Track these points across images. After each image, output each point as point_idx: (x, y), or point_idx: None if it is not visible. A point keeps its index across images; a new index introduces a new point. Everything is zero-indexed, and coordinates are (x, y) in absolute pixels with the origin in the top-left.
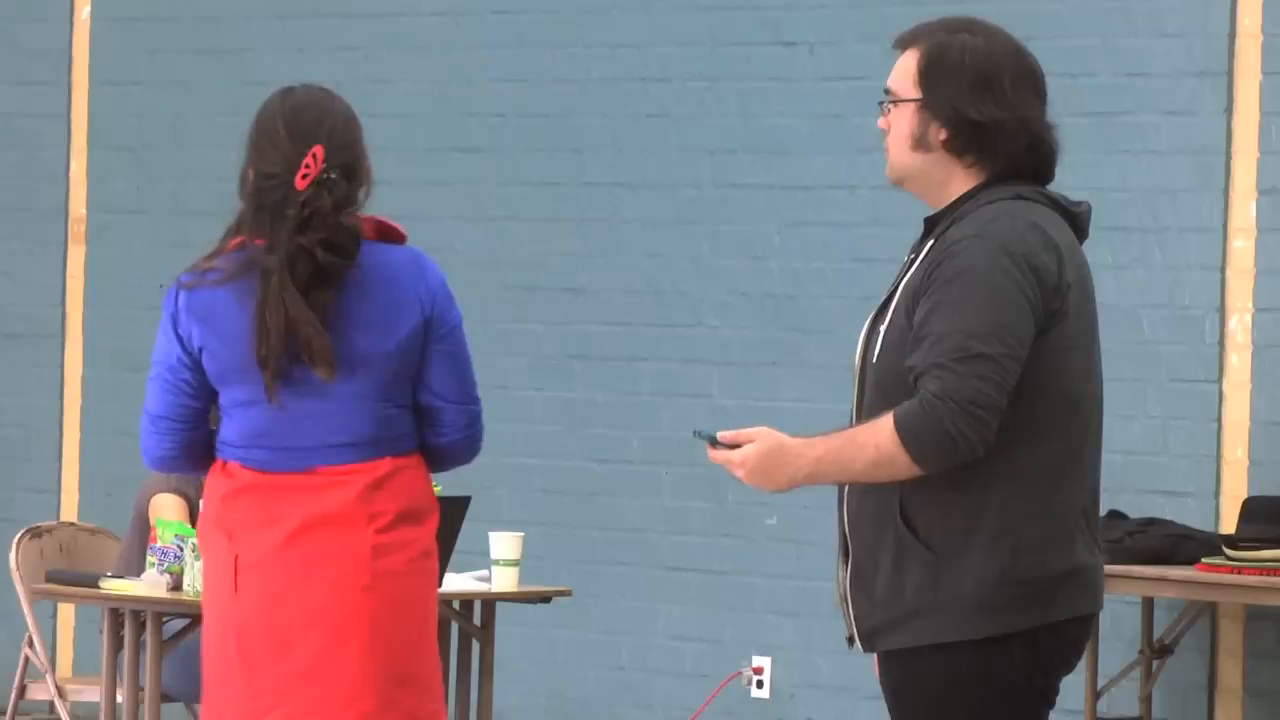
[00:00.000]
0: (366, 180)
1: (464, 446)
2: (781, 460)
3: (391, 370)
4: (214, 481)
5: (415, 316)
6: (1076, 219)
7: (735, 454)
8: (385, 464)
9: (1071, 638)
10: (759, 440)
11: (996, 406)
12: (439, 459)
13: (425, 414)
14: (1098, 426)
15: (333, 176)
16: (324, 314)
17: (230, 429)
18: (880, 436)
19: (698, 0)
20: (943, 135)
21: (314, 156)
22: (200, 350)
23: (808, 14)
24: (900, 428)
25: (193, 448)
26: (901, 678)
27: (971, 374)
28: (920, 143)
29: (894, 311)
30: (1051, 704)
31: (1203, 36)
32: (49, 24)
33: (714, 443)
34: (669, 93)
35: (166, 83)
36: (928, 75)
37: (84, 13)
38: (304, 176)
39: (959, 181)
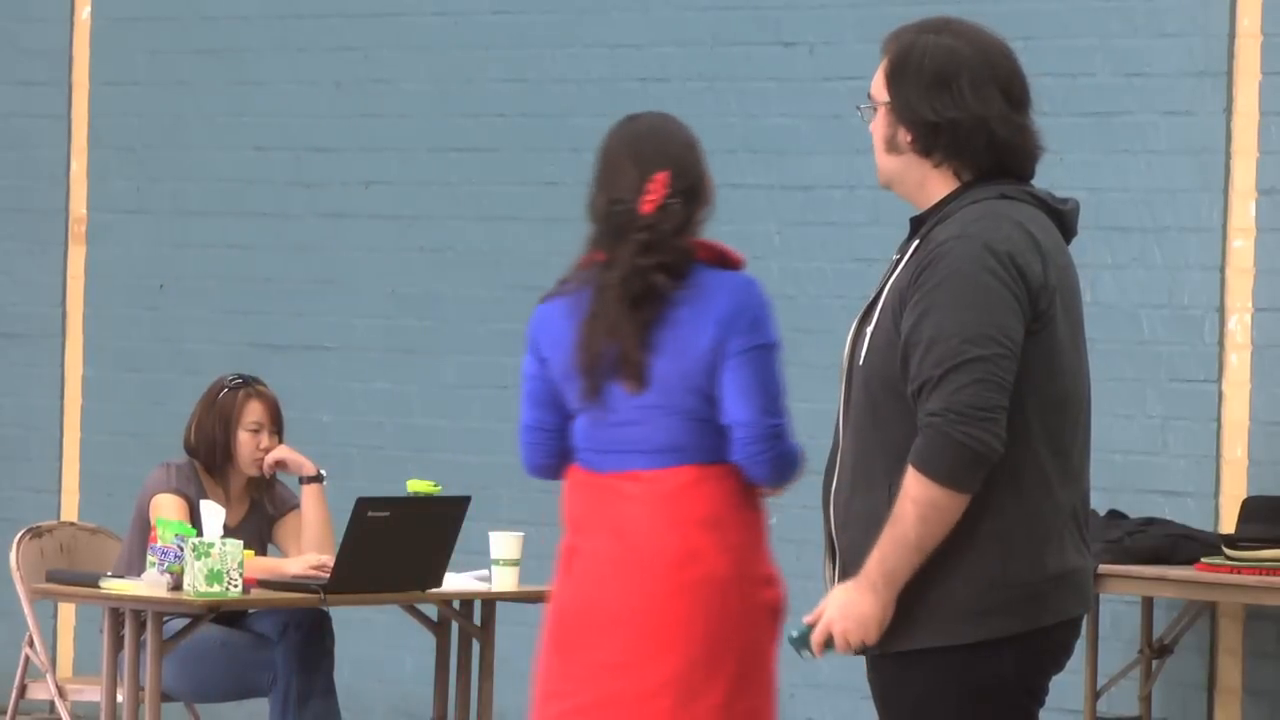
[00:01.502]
0: (708, 202)
1: (753, 464)
2: (855, 593)
3: (688, 387)
4: (566, 479)
5: (710, 337)
6: (1063, 217)
7: (819, 626)
8: (689, 471)
9: (1061, 639)
10: (829, 598)
11: (999, 405)
12: (748, 476)
13: (724, 431)
14: (1087, 427)
15: (674, 201)
16: (644, 331)
17: (574, 432)
18: (909, 491)
19: (698, 0)
20: (908, 137)
21: (657, 182)
22: (546, 360)
23: (808, 14)
24: (918, 466)
25: (567, 455)
26: (890, 681)
27: (967, 380)
28: (892, 145)
29: (880, 313)
30: (1041, 704)
31: (1202, 36)
32: (49, 24)
33: (806, 638)
34: (669, 93)
35: (166, 83)
36: (892, 78)
37: (84, 13)
38: (649, 201)
39: (934, 182)
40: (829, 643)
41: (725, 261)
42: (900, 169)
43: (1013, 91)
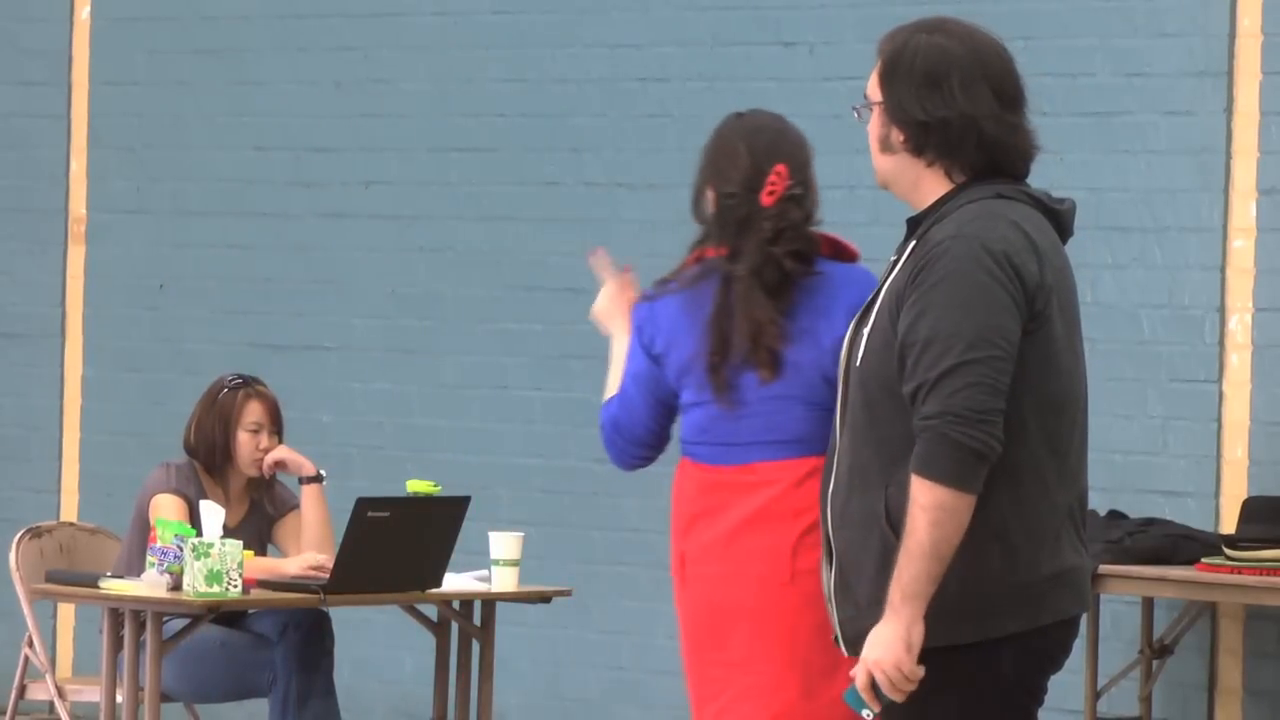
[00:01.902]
0: (816, 199)
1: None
2: (882, 627)
3: (822, 376)
4: (677, 476)
5: (841, 328)
6: (1059, 217)
7: (859, 675)
8: (811, 462)
9: (1060, 639)
10: (865, 644)
11: (994, 408)
12: None
13: None
14: (1084, 427)
15: (798, 192)
16: (781, 319)
17: (686, 426)
18: (917, 499)
19: (698, 0)
20: (900, 137)
21: (779, 174)
22: (660, 356)
23: (808, 14)
24: (921, 471)
25: (658, 449)
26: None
27: (962, 383)
28: (886, 145)
29: (877, 314)
30: (1040, 703)
31: (1202, 36)
32: (49, 24)
33: (856, 692)
34: (669, 93)
35: (166, 83)
36: (885, 78)
37: (84, 13)
38: (770, 193)
39: (928, 182)
40: (880, 691)
41: (842, 254)
42: (895, 169)
43: (1005, 91)
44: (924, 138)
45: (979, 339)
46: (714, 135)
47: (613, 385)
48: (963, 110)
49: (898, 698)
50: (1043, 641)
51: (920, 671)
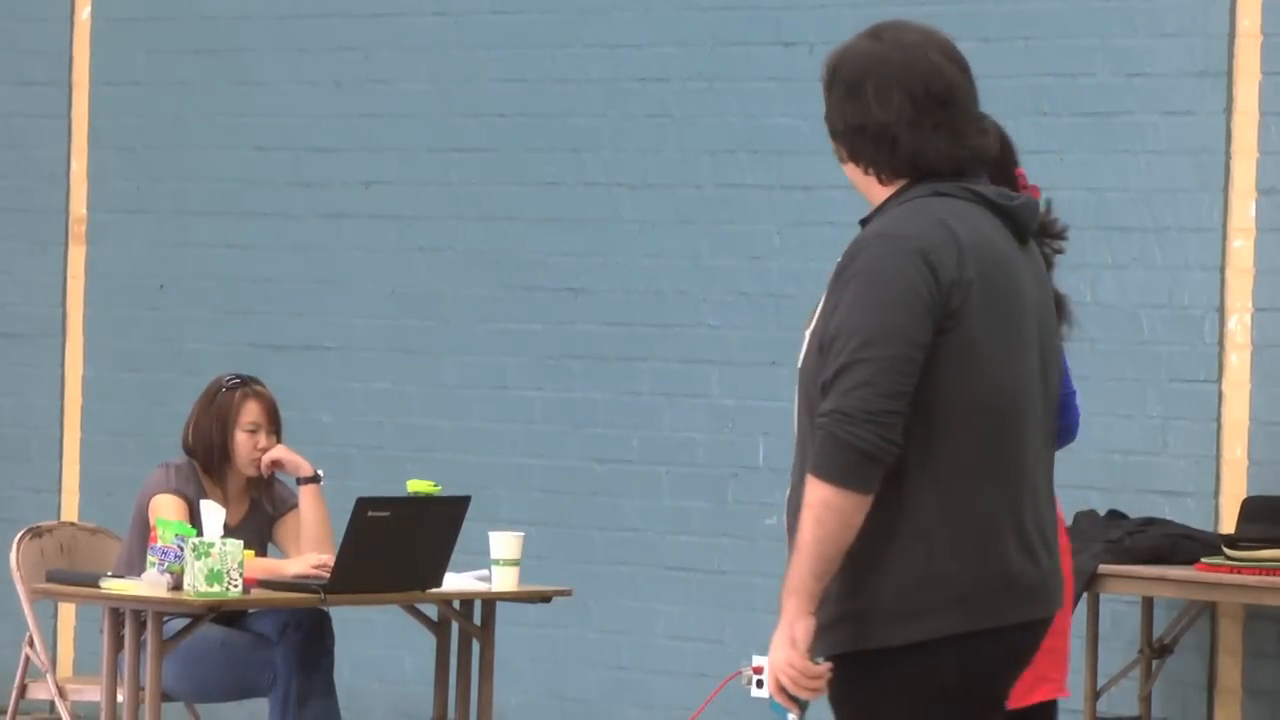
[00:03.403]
0: None
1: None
2: (777, 629)
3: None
4: None
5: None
6: (1010, 214)
7: (768, 679)
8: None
9: (1011, 645)
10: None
11: (886, 409)
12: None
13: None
14: (1035, 428)
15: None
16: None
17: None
18: (806, 496)
19: (698, 0)
20: (838, 147)
21: (1022, 176)
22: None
23: (808, 14)
24: (811, 470)
25: None
26: (835, 684)
27: (854, 382)
28: (837, 154)
29: (817, 314)
30: (1000, 712)
31: (1202, 36)
32: (49, 24)
33: (775, 702)
34: (669, 93)
35: (166, 83)
36: (825, 89)
37: (84, 13)
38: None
39: (875, 188)
40: (796, 696)
41: None
42: (850, 177)
43: (932, 92)
44: (851, 146)
45: (877, 336)
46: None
47: None
48: (876, 117)
49: (806, 696)
50: (988, 646)
51: (817, 668)
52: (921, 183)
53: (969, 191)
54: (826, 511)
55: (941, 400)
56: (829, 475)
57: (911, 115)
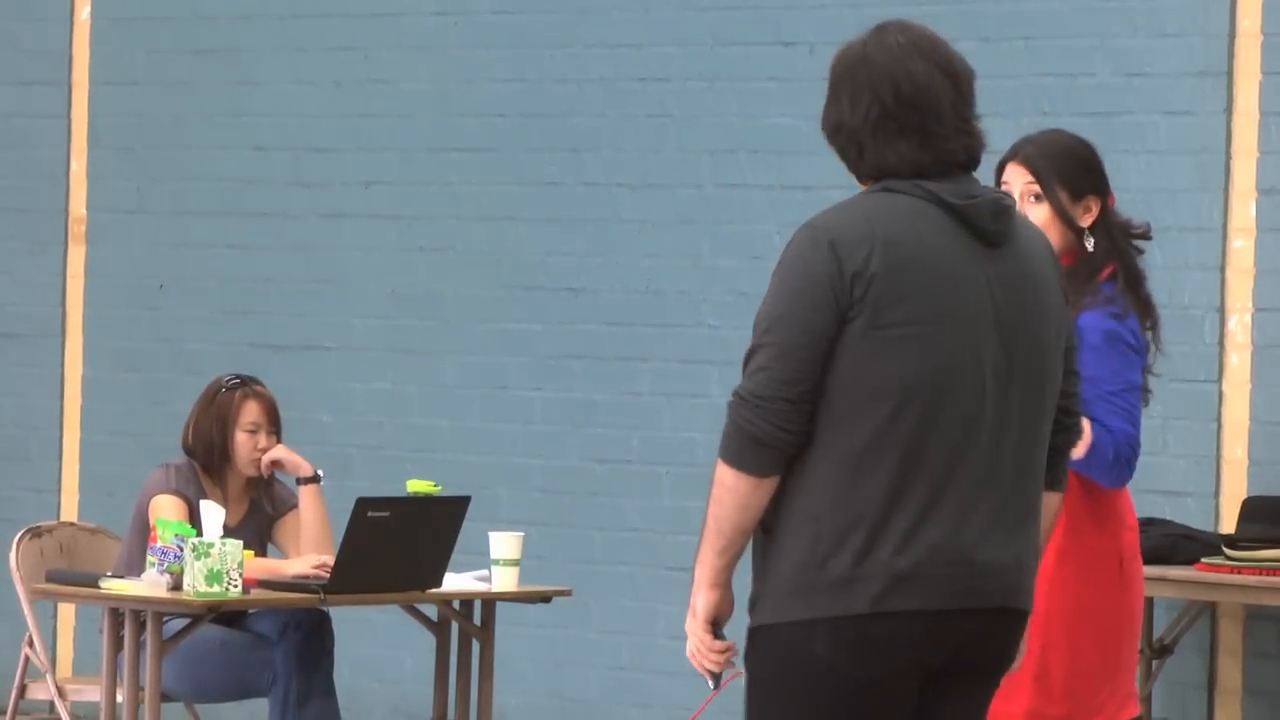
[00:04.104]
0: None
1: None
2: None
3: None
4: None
5: None
6: (962, 213)
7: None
8: None
9: (895, 632)
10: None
11: (779, 395)
12: None
13: None
14: (955, 420)
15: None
16: None
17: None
18: (715, 475)
19: (698, 0)
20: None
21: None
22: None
23: (808, 14)
24: (718, 451)
25: None
26: (746, 655)
27: (755, 367)
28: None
29: None
30: (900, 701)
31: (1202, 36)
32: (49, 24)
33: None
34: (669, 93)
35: (166, 83)
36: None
37: (84, 13)
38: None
39: (863, 185)
40: (713, 672)
41: None
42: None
43: (900, 95)
44: (834, 147)
45: (778, 323)
46: (1081, 142)
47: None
48: (847, 121)
49: (711, 667)
50: (869, 630)
51: (716, 643)
52: (889, 179)
53: (922, 189)
54: (724, 492)
55: (843, 387)
56: (726, 457)
57: (879, 119)
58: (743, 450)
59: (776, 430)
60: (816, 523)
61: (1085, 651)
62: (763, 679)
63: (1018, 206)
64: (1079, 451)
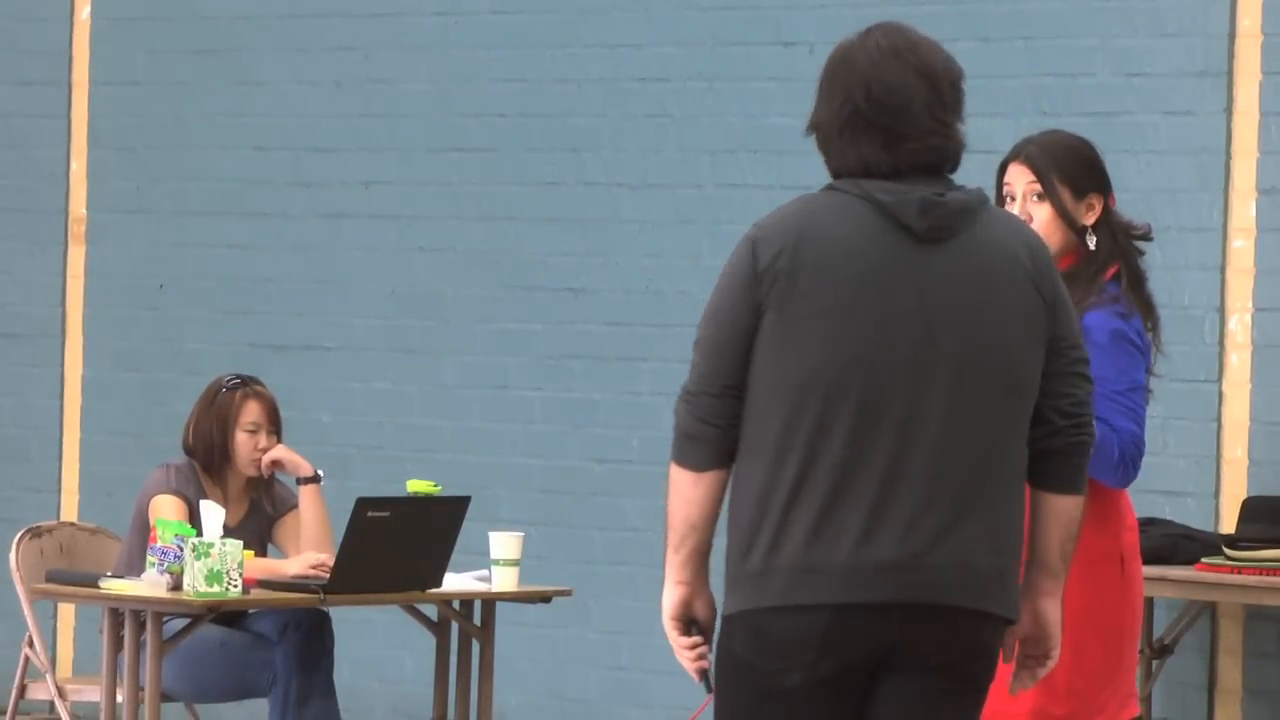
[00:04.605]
0: None
1: None
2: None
3: None
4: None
5: None
6: (890, 210)
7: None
8: None
9: (799, 626)
10: None
11: (703, 390)
12: None
13: None
14: (861, 414)
15: None
16: None
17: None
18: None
19: (698, 0)
20: None
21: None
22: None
23: (808, 14)
24: None
25: None
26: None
27: (691, 362)
28: None
29: None
30: (821, 697)
31: (1202, 36)
32: (49, 24)
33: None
34: (669, 93)
35: (166, 83)
36: None
37: (84, 13)
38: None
39: None
40: (705, 672)
41: None
42: None
43: (873, 96)
44: (816, 144)
45: (705, 321)
46: (1083, 142)
47: None
48: (821, 119)
49: (683, 663)
50: (775, 623)
51: (683, 639)
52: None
53: (859, 187)
54: (670, 486)
55: (758, 381)
56: (671, 452)
57: (849, 117)
58: (679, 445)
59: (701, 424)
60: (740, 517)
61: (1088, 650)
62: (716, 666)
63: (990, 204)
64: None
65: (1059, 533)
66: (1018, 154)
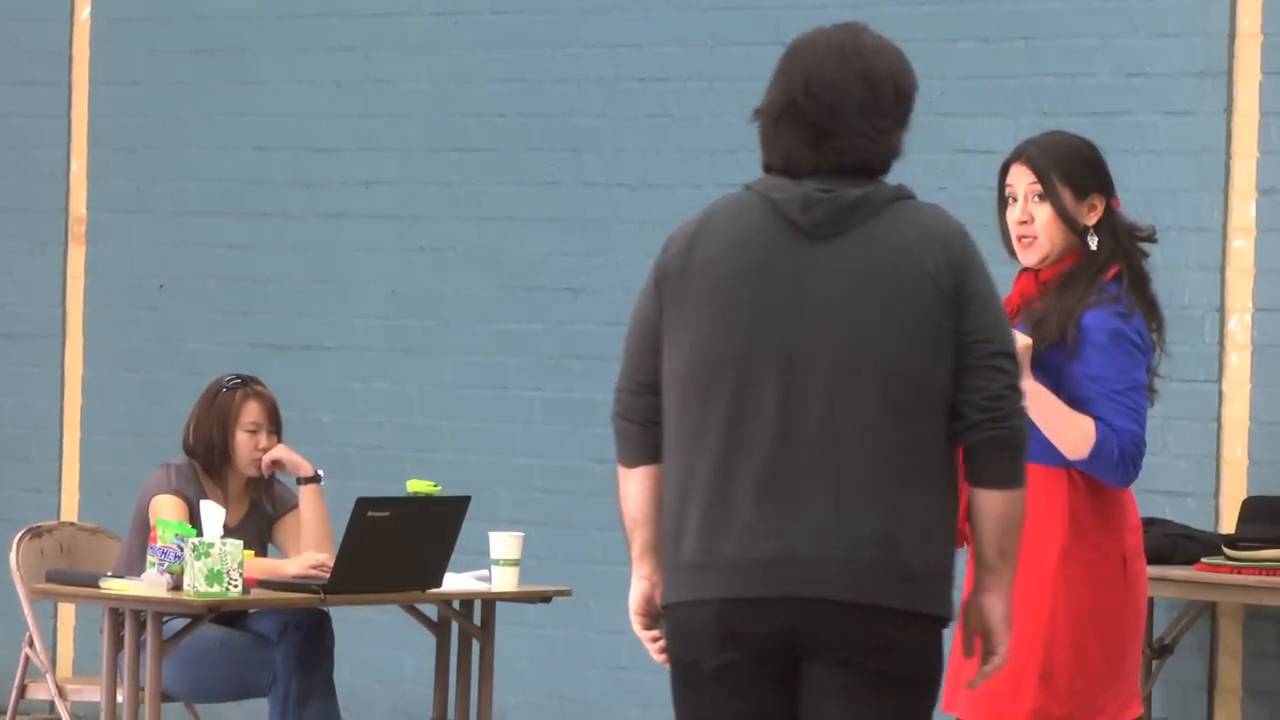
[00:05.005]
0: None
1: None
2: None
3: None
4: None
5: None
6: (776, 205)
7: None
8: None
9: (699, 619)
10: None
11: (622, 387)
12: None
13: None
14: (736, 409)
15: None
16: None
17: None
18: None
19: (697, 0)
20: None
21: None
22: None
23: (808, 14)
24: None
25: None
26: None
27: None
28: None
29: None
30: (733, 690)
31: (1202, 36)
32: (49, 24)
33: None
34: (669, 93)
35: (166, 83)
36: None
37: (84, 13)
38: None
39: None
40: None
41: None
42: None
43: (810, 91)
44: None
45: (630, 321)
46: (1084, 142)
47: (1068, 424)
48: (762, 105)
49: (653, 656)
50: (681, 616)
51: (645, 633)
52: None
53: (760, 184)
54: (619, 481)
55: (663, 378)
56: None
57: (783, 109)
58: (615, 442)
59: (624, 420)
60: (665, 511)
61: (1090, 651)
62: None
63: (911, 201)
64: (1082, 451)
65: (991, 528)
66: (1019, 155)
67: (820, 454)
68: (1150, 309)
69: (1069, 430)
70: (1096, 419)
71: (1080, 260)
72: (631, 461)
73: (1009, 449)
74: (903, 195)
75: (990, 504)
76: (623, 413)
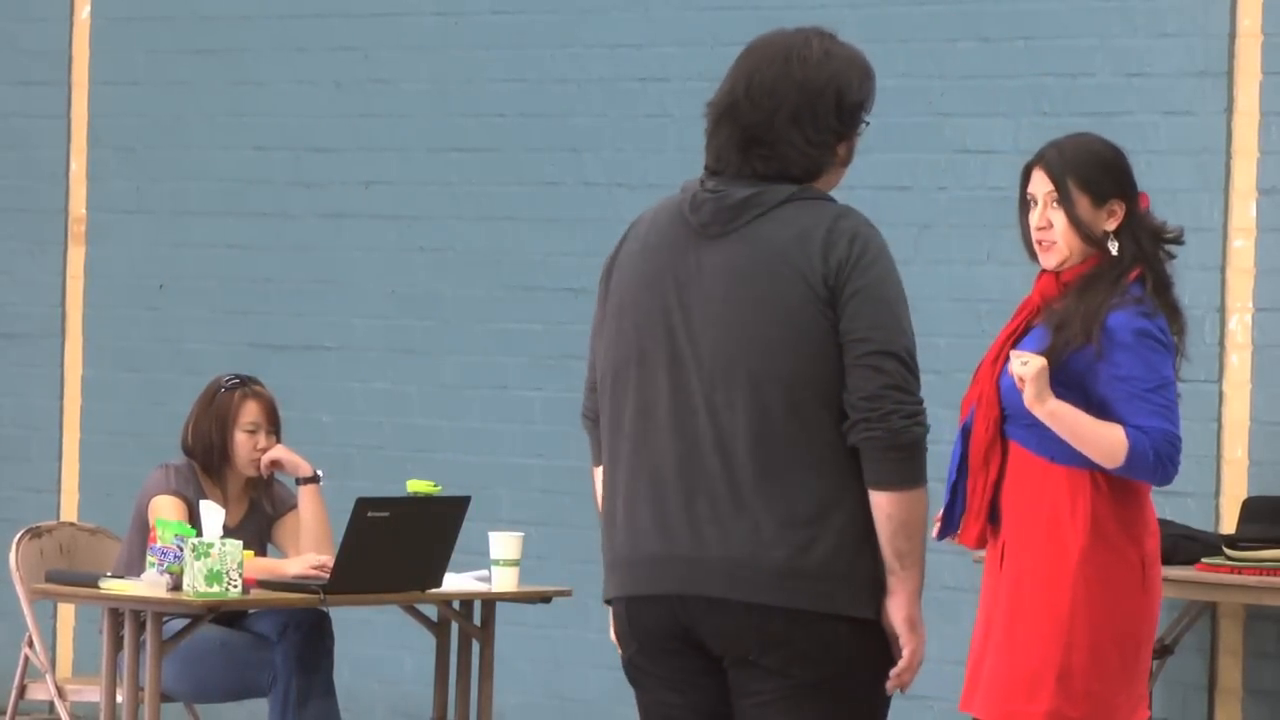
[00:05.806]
0: None
1: None
2: None
3: None
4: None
5: None
6: (681, 206)
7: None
8: None
9: (616, 615)
10: None
11: (587, 386)
12: None
13: None
14: (635, 410)
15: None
16: None
17: None
18: None
19: (697, 0)
20: None
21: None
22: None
23: (808, 14)
24: None
25: None
26: None
27: None
28: None
29: None
30: (665, 684)
31: (1203, 36)
32: (49, 24)
33: None
34: (669, 93)
35: (166, 83)
36: None
37: (84, 13)
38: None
39: None
40: None
41: None
42: None
43: (749, 93)
44: None
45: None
46: (1106, 146)
47: (1098, 437)
48: (712, 100)
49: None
50: (613, 613)
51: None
52: None
53: (685, 185)
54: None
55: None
56: None
57: (726, 108)
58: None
59: (585, 419)
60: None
61: (1106, 653)
62: None
63: (807, 200)
64: (1118, 460)
65: (882, 529)
66: (1039, 159)
67: (704, 454)
68: (1173, 313)
69: (1100, 443)
70: (1125, 424)
71: (1102, 262)
72: (595, 459)
73: (889, 449)
74: (802, 196)
75: (878, 504)
76: (585, 411)
